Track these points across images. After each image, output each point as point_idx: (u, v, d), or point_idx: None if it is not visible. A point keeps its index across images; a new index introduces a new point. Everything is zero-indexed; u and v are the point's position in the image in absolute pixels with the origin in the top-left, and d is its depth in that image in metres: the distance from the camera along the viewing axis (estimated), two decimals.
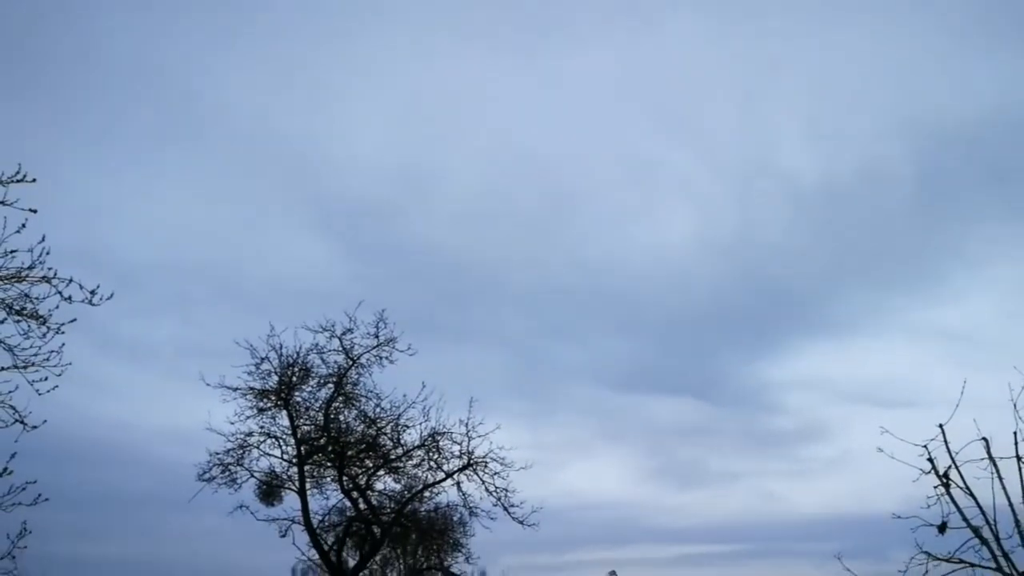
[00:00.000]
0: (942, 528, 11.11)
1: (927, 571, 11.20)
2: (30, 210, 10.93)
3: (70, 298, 11.49)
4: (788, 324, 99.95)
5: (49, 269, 11.36)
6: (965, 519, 10.95)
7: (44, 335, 11.69)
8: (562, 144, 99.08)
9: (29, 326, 11.64)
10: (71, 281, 11.45)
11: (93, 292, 11.64)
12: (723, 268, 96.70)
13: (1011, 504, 10.78)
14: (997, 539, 10.76)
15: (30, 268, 11.30)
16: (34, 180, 10.94)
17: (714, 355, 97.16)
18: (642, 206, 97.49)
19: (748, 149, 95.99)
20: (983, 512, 10.89)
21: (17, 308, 11.55)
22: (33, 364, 11.77)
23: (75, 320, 11.70)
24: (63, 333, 11.74)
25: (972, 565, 10.92)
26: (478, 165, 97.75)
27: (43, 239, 11.24)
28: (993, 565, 10.76)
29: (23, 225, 10.99)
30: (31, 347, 11.72)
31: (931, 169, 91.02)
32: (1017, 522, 10.66)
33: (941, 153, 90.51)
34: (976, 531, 10.86)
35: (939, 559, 11.08)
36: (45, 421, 11.94)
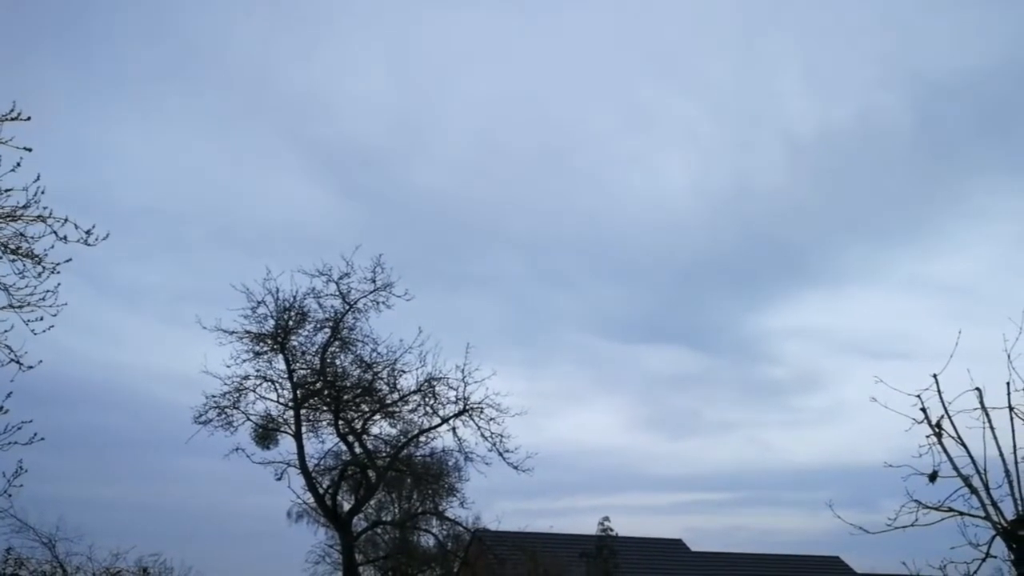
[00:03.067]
0: (933, 477, 11.20)
1: (916, 519, 11.32)
2: (25, 148, 10.82)
3: (65, 238, 11.39)
4: (784, 274, 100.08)
5: (44, 208, 11.25)
6: (956, 468, 11.03)
7: (39, 275, 11.60)
8: (560, 90, 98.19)
9: (24, 265, 11.56)
10: (66, 221, 11.35)
11: (88, 232, 11.53)
12: (720, 217, 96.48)
13: (1002, 454, 10.86)
14: (987, 488, 10.85)
15: (25, 207, 11.19)
16: (29, 118, 10.80)
17: (710, 304, 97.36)
18: (640, 154, 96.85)
19: (747, 97, 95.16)
20: (974, 461, 10.97)
21: (12, 247, 11.47)
22: (28, 304, 11.70)
23: (70, 260, 11.62)
24: (58, 273, 11.65)
25: (961, 514, 11.02)
26: (475, 111, 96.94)
27: (38, 178, 11.13)
28: (982, 514, 10.86)
29: (18, 164, 10.87)
30: (26, 287, 11.66)
31: (931, 119, 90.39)
32: (1007, 471, 10.75)
33: (942, 103, 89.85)
34: (966, 480, 10.94)
35: (929, 507, 11.18)
36: (40, 361, 11.91)
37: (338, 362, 27.27)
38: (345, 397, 27.06)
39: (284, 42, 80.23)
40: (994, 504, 10.77)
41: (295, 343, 26.63)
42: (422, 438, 27.90)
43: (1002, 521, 10.74)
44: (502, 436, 25.84)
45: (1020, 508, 10.70)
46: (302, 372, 26.93)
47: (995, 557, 10.93)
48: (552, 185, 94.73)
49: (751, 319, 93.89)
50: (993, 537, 10.84)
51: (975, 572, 11.06)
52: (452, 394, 26.29)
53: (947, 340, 11.71)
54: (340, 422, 27.16)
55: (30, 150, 10.84)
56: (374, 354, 26.84)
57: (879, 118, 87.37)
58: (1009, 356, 11.05)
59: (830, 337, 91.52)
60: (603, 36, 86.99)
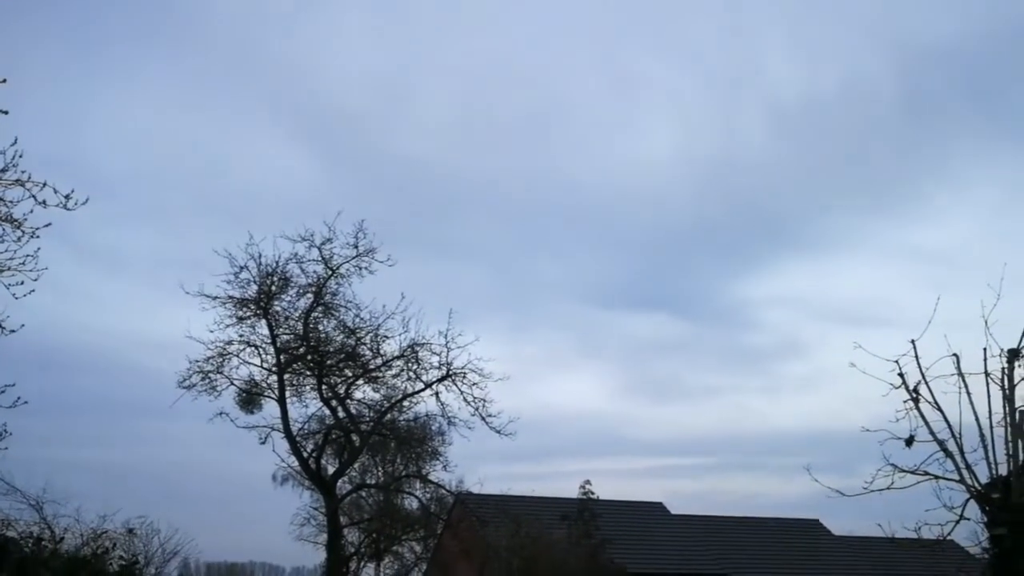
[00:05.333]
0: (909, 441, 11.37)
1: (892, 482, 11.50)
2: (1, 111, 10.67)
3: (44, 202, 11.26)
4: (767, 242, 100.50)
5: (23, 172, 11.12)
6: (932, 433, 11.19)
7: (19, 239, 11.51)
8: (545, 56, 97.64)
9: (3, 230, 11.47)
10: (45, 185, 11.23)
11: (68, 196, 11.40)
12: (704, 185, 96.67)
13: (977, 419, 11.02)
14: (962, 452, 11.02)
15: (3, 171, 11.05)
16: (4, 80, 10.65)
17: (693, 272, 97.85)
18: (625, 120, 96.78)
19: (732, 64, 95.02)
20: (950, 426, 11.14)
21: None
22: (9, 268, 11.62)
23: (50, 224, 11.52)
24: (38, 237, 11.55)
25: (937, 477, 11.21)
26: (459, 77, 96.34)
27: (15, 141, 11.00)
28: (957, 477, 11.05)
29: None
30: (6, 251, 11.56)
31: (915, 86, 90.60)
32: (982, 436, 10.91)
33: (926, 70, 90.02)
34: (942, 444, 11.11)
35: (905, 471, 11.36)
36: (23, 325, 11.87)
37: (321, 327, 27.29)
38: (328, 362, 27.08)
39: (268, 8, 79.25)
40: (968, 468, 10.95)
41: (278, 308, 26.61)
42: (405, 403, 28.06)
43: (976, 484, 10.93)
44: (485, 401, 26.03)
45: (994, 472, 10.89)
46: (285, 337, 26.92)
47: (969, 519, 11.14)
48: (536, 152, 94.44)
49: (734, 286, 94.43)
50: (967, 500, 11.03)
51: (949, 534, 11.27)
52: (435, 359, 26.45)
53: (926, 307, 11.86)
54: (323, 387, 27.21)
55: (6, 113, 10.69)
56: (357, 319, 26.88)
57: (863, 85, 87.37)
58: (987, 323, 11.20)
59: (811, 304, 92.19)
60: (587, 1, 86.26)
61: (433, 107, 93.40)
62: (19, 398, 11.88)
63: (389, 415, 28.56)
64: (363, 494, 37.78)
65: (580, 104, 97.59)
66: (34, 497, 23.10)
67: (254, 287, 26.03)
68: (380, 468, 38.60)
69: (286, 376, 26.69)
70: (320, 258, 26.11)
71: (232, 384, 26.42)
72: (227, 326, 26.04)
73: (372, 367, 27.22)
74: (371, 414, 28.55)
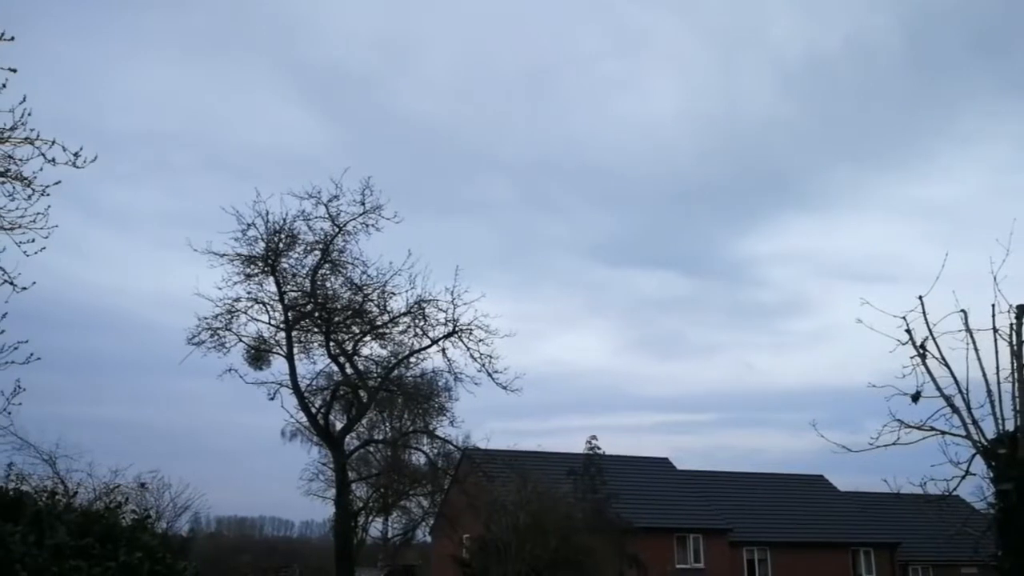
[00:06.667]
0: (916, 397, 11.42)
1: (898, 438, 11.57)
2: (10, 69, 10.61)
3: (53, 160, 11.24)
4: (773, 199, 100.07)
5: (31, 130, 11.09)
6: (939, 388, 11.24)
7: (29, 197, 11.52)
8: (549, 14, 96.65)
9: (13, 188, 11.47)
10: (54, 143, 11.20)
11: (76, 154, 11.39)
12: (709, 142, 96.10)
13: (984, 375, 11.05)
14: (969, 408, 11.07)
15: (12, 129, 11.03)
16: (12, 39, 10.59)
17: (699, 229, 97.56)
18: (629, 78, 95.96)
19: (736, 20, 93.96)
20: (956, 382, 11.18)
21: (1, 170, 11.36)
22: (20, 226, 11.62)
23: (59, 182, 11.51)
24: (48, 195, 11.55)
25: (942, 433, 11.28)
26: (464, 35, 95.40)
27: (24, 100, 10.95)
28: (963, 433, 11.11)
29: (3, 85, 10.68)
30: (16, 209, 11.57)
31: (921, 43, 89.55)
32: (989, 392, 10.95)
33: (932, 26, 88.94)
34: (948, 400, 11.16)
35: (911, 427, 11.43)
36: (34, 283, 11.89)
37: (328, 284, 27.38)
38: (336, 319, 27.19)
39: None
40: (975, 423, 11.00)
41: (285, 265, 26.68)
42: (412, 359, 28.22)
43: (983, 440, 10.99)
44: (491, 357, 26.19)
45: (1001, 427, 10.95)
46: (293, 294, 27.02)
47: (975, 475, 11.23)
48: (541, 109, 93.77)
49: (740, 243, 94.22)
50: (973, 455, 11.11)
51: (954, 489, 11.36)
52: (442, 316, 26.59)
53: (934, 263, 11.85)
54: (331, 343, 27.36)
55: (15, 71, 10.63)
56: (364, 276, 26.96)
57: (869, 41, 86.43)
58: (995, 278, 11.19)
59: (817, 261, 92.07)
60: None
61: (436, 65, 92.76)
62: (32, 354, 11.95)
63: (396, 371, 28.75)
64: (371, 449, 38.17)
65: (583, 62, 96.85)
66: (48, 452, 23.44)
67: (261, 244, 26.12)
68: (388, 424, 38.94)
69: (294, 333, 26.85)
70: (327, 215, 26.16)
71: (240, 341, 26.64)
72: (235, 283, 26.22)
73: (379, 324, 27.35)
74: (378, 370, 28.73)
